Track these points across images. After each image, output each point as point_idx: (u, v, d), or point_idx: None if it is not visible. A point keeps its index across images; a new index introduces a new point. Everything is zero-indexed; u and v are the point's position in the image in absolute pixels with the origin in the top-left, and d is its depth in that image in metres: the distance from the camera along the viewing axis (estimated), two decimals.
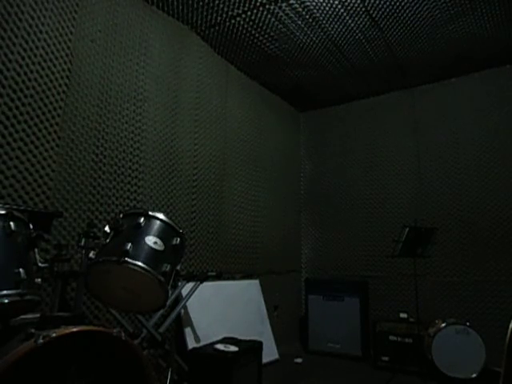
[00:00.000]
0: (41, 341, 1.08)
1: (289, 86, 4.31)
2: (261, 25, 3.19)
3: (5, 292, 1.20)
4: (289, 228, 4.51)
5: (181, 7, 3.01)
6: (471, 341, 2.96)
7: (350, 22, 3.14)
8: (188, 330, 2.78)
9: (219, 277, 2.77)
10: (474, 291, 3.59)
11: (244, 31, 3.28)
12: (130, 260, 1.48)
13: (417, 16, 3.04)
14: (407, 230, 3.07)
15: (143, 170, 2.77)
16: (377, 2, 2.89)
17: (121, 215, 1.66)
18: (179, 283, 2.53)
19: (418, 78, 4.07)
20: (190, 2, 2.93)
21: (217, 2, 2.92)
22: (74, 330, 1.16)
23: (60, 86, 2.28)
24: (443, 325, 3.08)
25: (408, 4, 2.91)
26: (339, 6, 2.96)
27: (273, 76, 4.09)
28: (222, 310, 3.13)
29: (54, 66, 2.26)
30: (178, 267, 1.72)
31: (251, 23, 3.17)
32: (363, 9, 2.98)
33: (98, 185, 2.45)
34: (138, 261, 1.50)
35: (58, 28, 2.29)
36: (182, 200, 3.08)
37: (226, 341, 2.53)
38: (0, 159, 1.96)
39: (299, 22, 3.16)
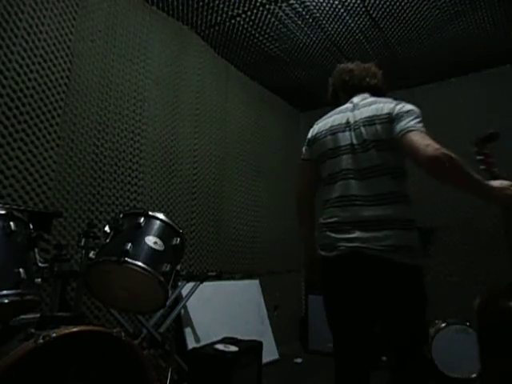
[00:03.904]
0: (41, 341, 1.08)
1: (289, 86, 4.30)
2: (261, 25, 3.19)
3: (5, 292, 1.20)
4: (289, 228, 4.50)
5: (181, 7, 3.01)
6: (471, 341, 2.96)
7: (350, 21, 3.14)
8: (188, 330, 2.78)
9: (219, 277, 2.77)
10: (475, 291, 3.58)
11: (244, 31, 3.28)
12: (129, 260, 1.48)
13: (417, 16, 3.04)
14: None
15: (143, 170, 2.77)
16: (377, 2, 2.89)
17: (121, 215, 1.66)
18: (179, 283, 2.53)
19: (418, 77, 4.06)
20: (190, 2, 2.93)
21: (217, 2, 2.92)
22: (74, 330, 1.17)
23: (60, 85, 2.28)
24: (443, 325, 3.07)
25: (408, 4, 2.91)
26: (339, 6, 2.95)
27: (273, 76, 4.08)
28: (222, 310, 3.12)
29: (54, 65, 2.26)
30: (178, 267, 1.72)
31: (251, 23, 3.17)
32: (363, 9, 2.98)
33: (98, 185, 2.45)
34: (138, 261, 1.50)
35: (57, 28, 2.29)
36: (182, 200, 3.07)
37: (226, 341, 2.52)
38: (0, 159, 1.96)
39: (299, 22, 3.16)
